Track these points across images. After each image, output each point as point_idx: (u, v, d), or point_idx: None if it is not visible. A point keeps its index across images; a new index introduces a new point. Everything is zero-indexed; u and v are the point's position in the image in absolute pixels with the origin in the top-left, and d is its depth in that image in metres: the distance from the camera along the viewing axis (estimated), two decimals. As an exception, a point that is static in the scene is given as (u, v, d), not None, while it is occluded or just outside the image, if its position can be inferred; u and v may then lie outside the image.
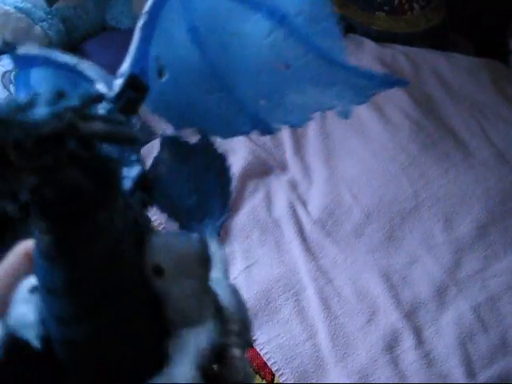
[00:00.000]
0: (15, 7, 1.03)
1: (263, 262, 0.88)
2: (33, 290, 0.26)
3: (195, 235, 0.27)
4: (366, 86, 0.32)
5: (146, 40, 0.30)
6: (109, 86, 0.28)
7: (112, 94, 0.27)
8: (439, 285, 0.87)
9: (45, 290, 0.24)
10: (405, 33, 1.22)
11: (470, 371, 0.79)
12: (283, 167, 1.01)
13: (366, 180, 0.96)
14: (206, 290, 0.27)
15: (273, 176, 1.00)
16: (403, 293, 0.86)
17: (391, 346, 0.81)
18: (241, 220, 0.93)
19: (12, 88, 0.95)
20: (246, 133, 0.34)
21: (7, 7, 1.02)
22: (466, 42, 1.30)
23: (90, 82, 0.30)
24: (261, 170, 1.00)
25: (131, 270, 0.25)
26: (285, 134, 1.04)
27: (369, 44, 1.20)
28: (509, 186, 0.97)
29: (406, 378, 0.79)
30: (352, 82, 0.32)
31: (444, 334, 0.82)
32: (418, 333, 0.82)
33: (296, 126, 0.34)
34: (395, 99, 1.08)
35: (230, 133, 0.34)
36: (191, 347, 0.25)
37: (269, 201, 0.96)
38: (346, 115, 0.33)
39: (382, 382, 0.78)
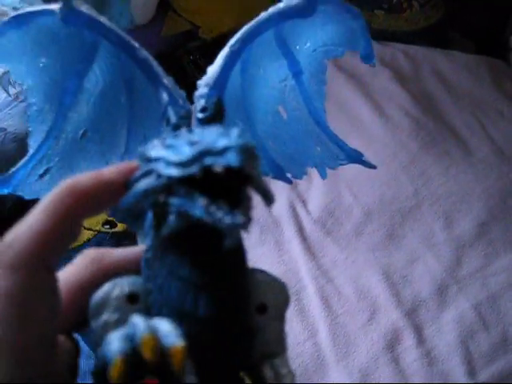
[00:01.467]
0: (13, 8, 1.03)
1: (263, 261, 0.88)
2: (130, 298, 0.26)
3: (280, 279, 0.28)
4: (338, 155, 0.36)
5: (230, 66, 0.31)
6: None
7: (200, 114, 0.29)
8: (440, 283, 0.86)
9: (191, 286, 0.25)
10: (404, 31, 1.22)
11: (471, 369, 0.79)
12: (283, 166, 1.01)
13: (366, 179, 0.96)
14: (284, 329, 0.28)
15: (273, 175, 0.99)
16: (404, 291, 0.86)
17: (392, 344, 0.81)
18: (241, 219, 0.93)
19: (11, 90, 0.95)
20: (265, 174, 0.36)
21: (5, 8, 1.02)
22: (465, 40, 1.29)
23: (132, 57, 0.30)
24: (261, 169, 1.00)
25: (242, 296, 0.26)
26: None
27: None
28: (509, 184, 0.97)
29: (406, 377, 0.79)
30: (329, 147, 0.36)
31: (445, 332, 0.82)
32: (418, 331, 0.82)
33: (298, 178, 0.37)
34: (395, 97, 1.08)
35: None
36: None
37: (269, 200, 0.96)
38: (324, 175, 0.37)
39: (383, 380, 0.78)
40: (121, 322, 0.25)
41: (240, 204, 0.22)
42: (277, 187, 0.96)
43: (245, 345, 0.26)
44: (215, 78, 0.30)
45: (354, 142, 1.10)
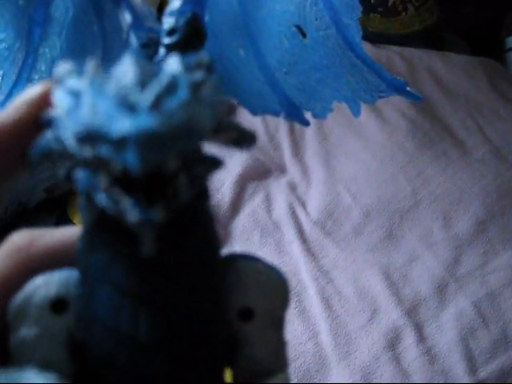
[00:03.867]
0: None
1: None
2: (56, 305, 0.19)
3: (279, 270, 0.21)
4: (377, 86, 0.30)
5: None
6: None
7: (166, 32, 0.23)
8: (439, 281, 0.87)
9: (118, 293, 0.18)
10: (400, 33, 1.23)
11: (472, 366, 0.79)
12: (282, 169, 1.02)
13: (364, 180, 0.97)
14: (283, 338, 0.22)
15: (272, 178, 1.00)
16: (404, 290, 0.86)
17: (393, 343, 0.82)
18: (241, 222, 0.94)
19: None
20: (276, 113, 0.30)
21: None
22: (461, 42, 1.31)
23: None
24: (260, 172, 1.00)
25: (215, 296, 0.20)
26: (283, 137, 1.05)
27: (364, 45, 1.21)
28: (506, 183, 0.98)
29: (408, 375, 0.79)
30: (365, 76, 0.29)
31: (445, 330, 0.83)
32: (419, 330, 0.83)
33: (320, 117, 0.30)
34: (391, 99, 1.09)
35: (260, 108, 0.30)
36: None
37: (268, 203, 0.97)
38: (357, 112, 0.30)
39: (384, 379, 0.79)
40: (42, 339, 0.18)
41: (164, 193, 0.17)
42: (276, 190, 0.98)
43: (222, 367, 0.20)
44: None
45: (351, 144, 1.11)
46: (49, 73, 0.27)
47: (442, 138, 1.04)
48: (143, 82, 0.17)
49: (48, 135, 0.18)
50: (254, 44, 0.27)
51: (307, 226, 0.93)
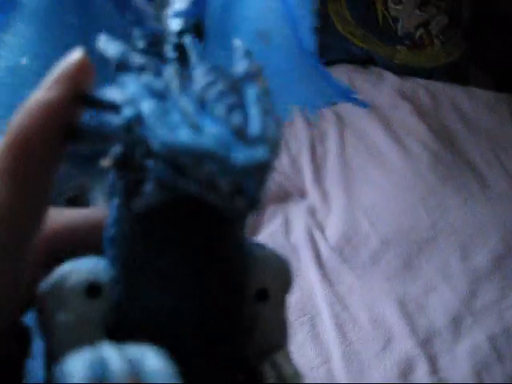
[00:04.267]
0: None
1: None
2: (91, 291, 0.19)
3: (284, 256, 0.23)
4: (328, 92, 0.31)
5: None
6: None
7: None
8: (455, 314, 0.87)
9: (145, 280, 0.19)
10: (425, 67, 1.24)
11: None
12: (302, 193, 1.03)
13: (384, 208, 0.98)
14: (287, 316, 0.23)
15: (292, 202, 1.01)
16: (419, 321, 0.86)
17: (406, 373, 0.81)
18: (259, 244, 0.94)
19: None
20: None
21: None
22: (485, 77, 1.32)
23: None
24: (280, 195, 1.01)
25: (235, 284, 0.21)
26: (305, 162, 1.06)
27: (389, 77, 1.22)
28: (526, 218, 0.97)
29: (420, 406, 0.79)
30: (318, 83, 0.30)
31: (459, 363, 0.82)
32: (433, 361, 0.82)
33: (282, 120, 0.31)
34: (414, 131, 1.10)
35: None
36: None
37: (287, 226, 0.97)
38: (315, 118, 0.32)
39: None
40: (81, 323, 0.19)
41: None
42: (295, 215, 0.98)
43: (242, 342, 0.21)
44: None
45: (373, 173, 1.12)
46: (14, 60, 0.25)
47: (463, 171, 1.04)
48: (238, 104, 0.18)
49: (108, 118, 0.18)
50: (225, 49, 0.27)
51: (325, 252, 0.93)
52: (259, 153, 0.17)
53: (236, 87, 0.19)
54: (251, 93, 0.19)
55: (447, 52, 1.24)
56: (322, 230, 0.96)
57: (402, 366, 0.82)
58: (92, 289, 0.19)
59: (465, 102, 1.18)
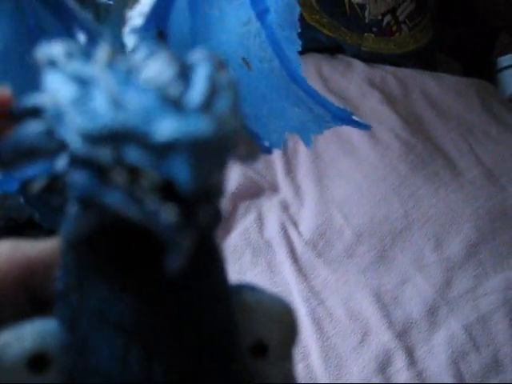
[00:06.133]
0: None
1: (255, 283, 0.88)
2: (35, 362, 0.16)
3: (284, 300, 0.19)
4: (323, 117, 0.29)
5: None
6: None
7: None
8: (431, 304, 0.87)
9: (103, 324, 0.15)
10: (393, 53, 1.23)
11: (463, 389, 0.79)
12: (274, 188, 1.02)
13: (356, 200, 0.97)
14: (295, 372, 0.19)
15: (264, 197, 1.00)
16: (395, 313, 0.86)
17: (384, 366, 0.81)
18: (232, 241, 0.93)
19: None
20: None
21: None
22: (453, 63, 1.32)
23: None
24: (252, 191, 1.00)
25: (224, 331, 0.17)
26: (276, 155, 1.05)
27: (358, 65, 1.21)
28: (497, 205, 0.98)
29: (399, 399, 0.79)
30: (311, 108, 0.29)
31: (436, 353, 0.83)
32: (410, 353, 0.82)
33: (276, 147, 0.29)
34: (385, 120, 1.09)
35: None
36: None
37: (260, 222, 0.96)
38: (309, 144, 0.30)
39: (375, 402, 0.78)
40: None
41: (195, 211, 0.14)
42: (268, 210, 0.97)
43: None
44: (153, 3, 0.22)
45: (344, 164, 1.11)
46: None
47: (435, 159, 1.04)
48: (184, 78, 0.14)
49: (25, 128, 0.15)
50: None
51: (299, 246, 0.93)
52: (195, 125, 0.13)
53: (185, 68, 0.15)
54: (201, 69, 0.15)
55: (415, 38, 1.23)
56: (296, 225, 0.96)
57: (379, 358, 0.82)
58: (37, 361, 0.15)
59: (434, 88, 1.17)
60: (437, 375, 0.80)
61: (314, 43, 1.23)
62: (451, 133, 1.10)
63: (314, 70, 1.20)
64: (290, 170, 1.04)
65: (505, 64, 1.30)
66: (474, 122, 1.12)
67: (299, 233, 0.94)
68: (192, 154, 0.13)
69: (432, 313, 0.86)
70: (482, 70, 1.30)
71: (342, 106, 0.29)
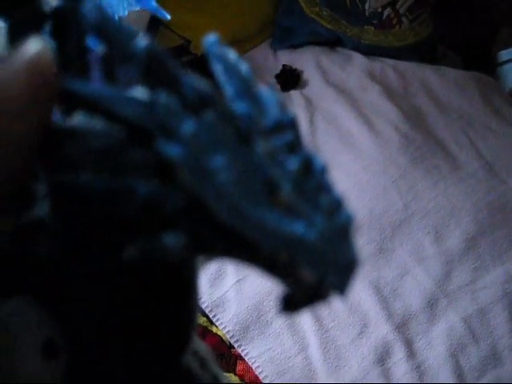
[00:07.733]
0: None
1: (254, 275, 0.88)
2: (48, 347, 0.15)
3: None
4: (128, 2, 0.32)
5: None
6: None
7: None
8: (430, 297, 0.87)
9: None
10: (393, 46, 1.23)
11: (462, 382, 0.79)
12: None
13: (356, 193, 0.97)
14: None
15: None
16: (394, 305, 0.86)
17: (383, 358, 0.81)
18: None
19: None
20: None
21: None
22: (453, 55, 1.31)
23: None
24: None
25: None
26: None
27: (358, 57, 1.21)
28: (497, 198, 0.98)
29: (397, 391, 0.79)
30: None
31: (435, 345, 0.83)
32: (409, 345, 0.83)
33: None
34: (385, 112, 1.09)
35: None
36: None
37: (260, 214, 0.96)
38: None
39: (373, 394, 0.79)
40: None
41: None
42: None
43: None
44: None
45: (344, 157, 1.10)
46: None
47: (434, 152, 1.04)
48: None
49: None
50: None
51: (298, 239, 0.92)
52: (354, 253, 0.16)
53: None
54: (324, 178, 0.17)
55: (415, 31, 1.23)
56: (295, 217, 0.95)
57: (378, 350, 0.82)
58: (47, 346, 0.15)
59: (434, 81, 1.17)
60: (436, 367, 0.81)
61: (313, 36, 1.23)
62: (451, 125, 1.09)
63: (313, 63, 1.20)
64: (289, 162, 1.03)
65: (505, 58, 1.29)
66: (474, 115, 1.12)
67: (299, 225, 0.94)
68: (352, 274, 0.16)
69: (431, 305, 0.86)
70: (482, 63, 1.29)
71: None
